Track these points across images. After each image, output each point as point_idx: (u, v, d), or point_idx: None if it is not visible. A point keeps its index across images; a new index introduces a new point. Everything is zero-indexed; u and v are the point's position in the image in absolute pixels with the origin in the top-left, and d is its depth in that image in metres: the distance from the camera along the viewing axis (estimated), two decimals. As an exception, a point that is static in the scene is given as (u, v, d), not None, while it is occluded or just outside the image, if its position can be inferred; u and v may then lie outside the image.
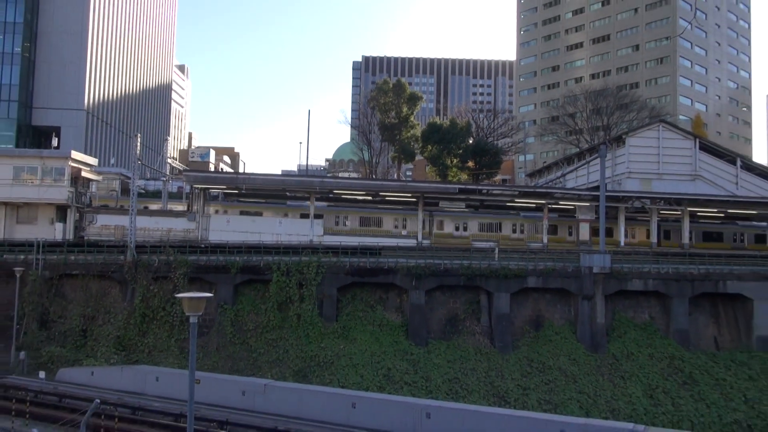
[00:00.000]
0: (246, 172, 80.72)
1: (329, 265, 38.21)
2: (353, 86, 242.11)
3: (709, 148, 64.83)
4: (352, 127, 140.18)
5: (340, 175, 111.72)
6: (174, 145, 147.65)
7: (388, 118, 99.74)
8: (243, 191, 51.83)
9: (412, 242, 49.96)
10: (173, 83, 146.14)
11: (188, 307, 14.72)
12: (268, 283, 38.02)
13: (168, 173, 72.10)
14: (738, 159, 65.29)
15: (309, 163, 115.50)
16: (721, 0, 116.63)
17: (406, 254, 41.44)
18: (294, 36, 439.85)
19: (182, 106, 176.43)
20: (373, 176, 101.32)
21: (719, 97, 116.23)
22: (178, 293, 27.70)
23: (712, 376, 35.06)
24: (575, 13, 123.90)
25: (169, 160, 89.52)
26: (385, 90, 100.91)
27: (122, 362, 34.25)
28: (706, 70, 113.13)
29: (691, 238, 55.29)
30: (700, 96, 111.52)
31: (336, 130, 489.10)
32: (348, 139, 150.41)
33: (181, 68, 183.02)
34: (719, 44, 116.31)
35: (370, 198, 53.98)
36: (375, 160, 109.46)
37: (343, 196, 53.69)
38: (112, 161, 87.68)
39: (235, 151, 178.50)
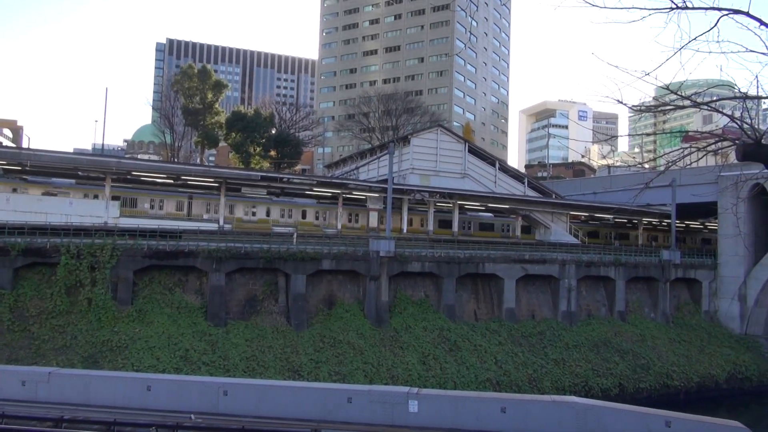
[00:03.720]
0: (31, 147, 70.32)
1: (125, 247, 35.05)
2: (156, 68, 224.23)
3: (475, 152, 71.60)
4: (153, 109, 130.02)
5: (140, 156, 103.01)
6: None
7: (192, 103, 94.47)
8: (28, 168, 45.13)
9: (213, 226, 48.04)
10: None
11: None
12: (56, 266, 33.78)
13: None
14: (497, 162, 73.06)
15: (106, 143, 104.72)
16: (488, 28, 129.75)
17: (208, 238, 39.72)
18: (92, 9, 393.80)
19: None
20: (175, 160, 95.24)
21: (484, 108, 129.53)
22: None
23: (472, 343, 39.03)
24: (372, 22, 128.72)
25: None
26: (190, 75, 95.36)
27: None
28: (475, 85, 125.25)
29: (470, 227, 61.19)
30: (470, 107, 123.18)
31: (137, 111, 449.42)
32: (149, 121, 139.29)
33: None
34: (485, 64, 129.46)
35: (171, 181, 50.62)
36: (177, 144, 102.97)
37: (142, 179, 49.60)
38: None
39: (18, 124, 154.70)
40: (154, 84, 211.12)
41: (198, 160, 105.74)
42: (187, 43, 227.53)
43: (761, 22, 5.40)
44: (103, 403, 23.01)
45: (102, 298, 33.54)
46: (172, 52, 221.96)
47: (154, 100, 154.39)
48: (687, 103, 6.64)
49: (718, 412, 34.48)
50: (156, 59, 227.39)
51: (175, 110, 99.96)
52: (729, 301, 51.55)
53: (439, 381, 34.77)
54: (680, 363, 43.02)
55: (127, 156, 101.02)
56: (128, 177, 47.88)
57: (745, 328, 50.39)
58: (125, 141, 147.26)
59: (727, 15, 5.50)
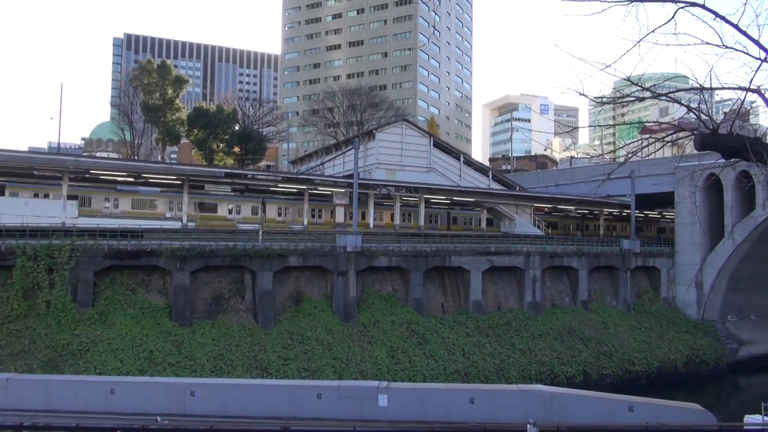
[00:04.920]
0: (-17, 146, 67.68)
1: (85, 248, 34.06)
2: (114, 63, 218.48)
3: (440, 146, 72.03)
4: (112, 105, 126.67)
5: (98, 155, 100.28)
6: None
7: (152, 99, 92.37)
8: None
9: (177, 224, 47.09)
10: None
11: None
12: (12, 269, 32.61)
13: None
14: (461, 156, 73.68)
15: (62, 141, 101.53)
16: (451, 22, 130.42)
17: (171, 236, 38.92)
18: (46, 2, 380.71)
19: None
20: (135, 158, 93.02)
21: (449, 103, 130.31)
22: None
23: (440, 336, 39.33)
24: (335, 17, 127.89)
25: None
26: (149, 70, 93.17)
27: None
28: (439, 79, 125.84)
29: (437, 221, 61.80)
30: (434, 101, 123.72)
31: (94, 108, 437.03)
32: (108, 118, 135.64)
33: None
34: (449, 59, 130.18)
35: (132, 180, 49.38)
36: (138, 141, 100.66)
37: (101, 177, 48.21)
38: None
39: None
40: (112, 80, 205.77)
41: (159, 158, 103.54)
42: (145, 38, 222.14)
43: (716, 15, 5.52)
44: (65, 408, 22.37)
45: (61, 300, 32.56)
46: (130, 47, 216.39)
47: (112, 96, 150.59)
48: (647, 94, 6.76)
49: (677, 396, 35.63)
50: (114, 54, 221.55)
51: (134, 107, 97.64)
52: (686, 287, 53.21)
53: (408, 374, 34.94)
54: (641, 349, 44.21)
55: (84, 154, 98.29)
56: (87, 176, 46.51)
57: (701, 313, 52.09)
58: (83, 139, 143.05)
59: (683, 7, 5.63)
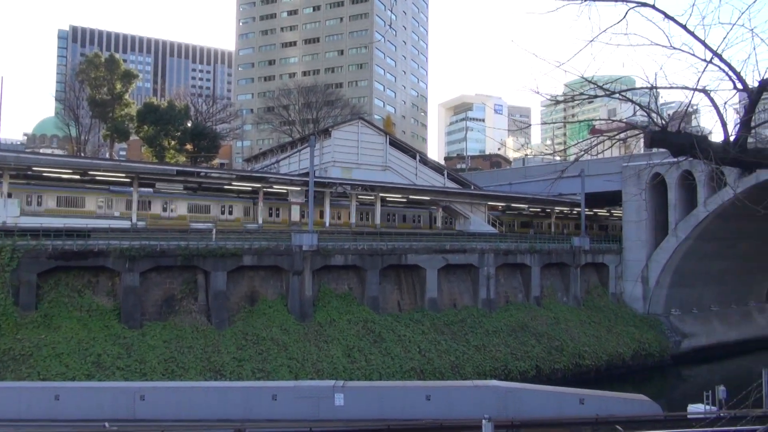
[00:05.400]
0: None
1: (27, 249, 32.59)
2: (59, 56, 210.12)
3: (396, 144, 72.28)
4: (57, 100, 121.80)
5: (42, 151, 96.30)
6: None
7: (100, 94, 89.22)
8: None
9: (126, 224, 45.66)
10: None
11: None
12: (-54, 271, 30.89)
13: None
14: (417, 154, 74.14)
15: (3, 137, 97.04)
16: (407, 21, 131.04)
17: (120, 236, 37.67)
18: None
19: None
20: (82, 154, 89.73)
21: (405, 102, 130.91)
22: None
23: (396, 334, 39.43)
24: (290, 13, 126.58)
25: None
26: (97, 64, 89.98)
27: None
28: (395, 78, 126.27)
29: (394, 219, 62.16)
30: (390, 100, 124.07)
31: (38, 103, 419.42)
32: (52, 114, 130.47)
33: None
34: (405, 58, 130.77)
35: (78, 177, 47.57)
36: (84, 137, 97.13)
37: (44, 174, 46.26)
38: None
39: None
40: (57, 74, 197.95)
41: (107, 155, 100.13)
42: (92, 31, 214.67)
43: (666, 15, 5.66)
44: (7, 417, 21.40)
45: (2, 304, 31.05)
46: (76, 39, 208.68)
47: (57, 90, 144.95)
48: (600, 92, 6.90)
49: (625, 387, 36.79)
50: (59, 47, 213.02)
51: (80, 102, 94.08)
52: (633, 283, 55.01)
53: (365, 373, 34.90)
54: (591, 343, 45.46)
55: (27, 150, 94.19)
56: (29, 173, 44.55)
57: (647, 307, 53.99)
58: (25, 135, 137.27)
59: (634, 7, 5.75)
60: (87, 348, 30.99)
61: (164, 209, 50.64)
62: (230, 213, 54.30)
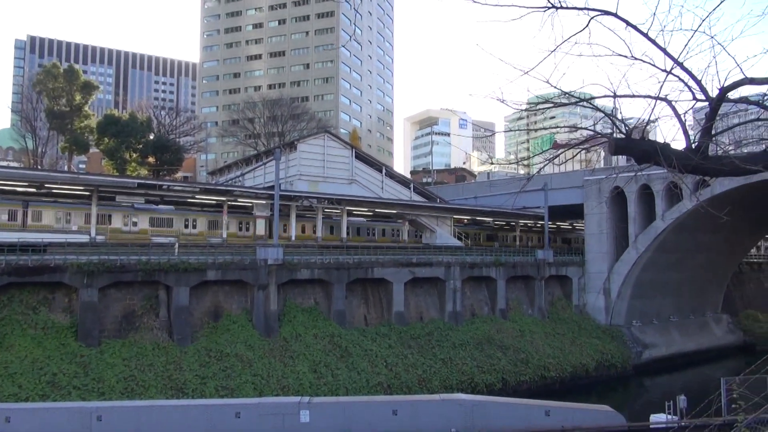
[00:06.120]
0: None
1: (-22, 264, 31.23)
2: (16, 67, 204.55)
3: (362, 158, 72.27)
4: (13, 111, 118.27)
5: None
6: None
7: (58, 106, 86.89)
8: None
9: (84, 238, 44.28)
10: None
11: None
12: None
13: None
14: (384, 168, 74.26)
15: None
16: (372, 36, 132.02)
17: (78, 251, 36.46)
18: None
19: None
20: (39, 167, 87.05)
21: (370, 116, 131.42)
22: None
23: (363, 348, 39.05)
24: (255, 26, 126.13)
25: None
26: (55, 74, 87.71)
27: None
28: (361, 92, 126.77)
29: (359, 233, 62.09)
30: (356, 114, 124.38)
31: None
32: (8, 125, 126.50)
33: None
34: (371, 72, 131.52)
35: (34, 190, 46.02)
36: (41, 149, 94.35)
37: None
38: None
39: None
40: (14, 84, 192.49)
41: (66, 167, 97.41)
42: (51, 41, 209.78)
43: (628, 24, 5.74)
44: (-49, 441, 20.29)
45: (-51, 322, 29.62)
46: (34, 50, 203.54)
47: (13, 102, 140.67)
48: (564, 100, 6.94)
49: (589, 398, 37.23)
50: (15, 57, 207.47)
51: (37, 113, 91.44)
52: (595, 295, 56.00)
53: (331, 388, 34.40)
54: (555, 355, 45.92)
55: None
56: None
57: (609, 319, 54.95)
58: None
59: (596, 16, 5.81)
60: (42, 367, 29.76)
61: (125, 223, 49.38)
62: (194, 227, 53.26)
